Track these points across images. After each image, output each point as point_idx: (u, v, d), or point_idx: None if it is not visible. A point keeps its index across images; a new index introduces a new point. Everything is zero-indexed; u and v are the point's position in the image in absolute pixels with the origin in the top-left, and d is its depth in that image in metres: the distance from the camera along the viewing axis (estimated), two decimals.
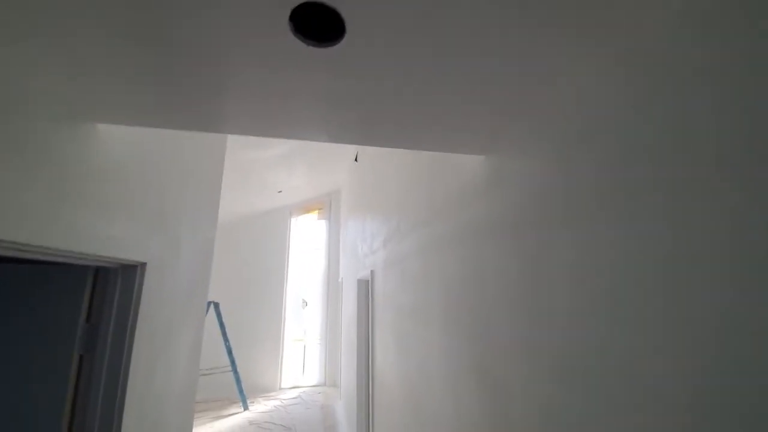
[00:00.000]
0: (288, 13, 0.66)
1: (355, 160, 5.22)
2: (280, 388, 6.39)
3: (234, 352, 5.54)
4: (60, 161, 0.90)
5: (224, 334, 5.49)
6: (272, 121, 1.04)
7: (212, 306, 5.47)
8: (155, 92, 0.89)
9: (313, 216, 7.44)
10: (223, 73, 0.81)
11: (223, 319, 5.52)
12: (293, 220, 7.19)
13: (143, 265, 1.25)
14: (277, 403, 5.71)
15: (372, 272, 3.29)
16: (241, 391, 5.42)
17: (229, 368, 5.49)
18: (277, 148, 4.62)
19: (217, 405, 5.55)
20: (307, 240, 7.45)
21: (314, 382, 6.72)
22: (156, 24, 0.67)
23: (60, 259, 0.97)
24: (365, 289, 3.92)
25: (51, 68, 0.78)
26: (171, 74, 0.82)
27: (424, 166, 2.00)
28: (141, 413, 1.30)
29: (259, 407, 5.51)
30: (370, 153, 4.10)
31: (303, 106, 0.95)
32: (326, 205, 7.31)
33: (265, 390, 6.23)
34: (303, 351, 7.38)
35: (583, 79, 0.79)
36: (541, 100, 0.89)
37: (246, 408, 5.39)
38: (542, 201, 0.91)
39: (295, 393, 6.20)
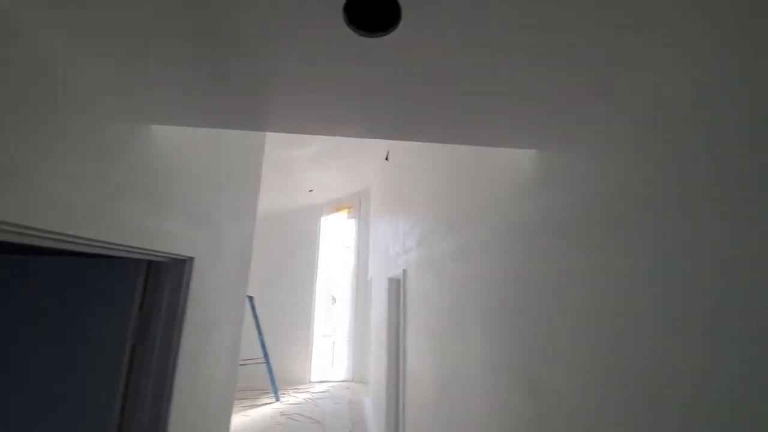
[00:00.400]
0: (342, 2, 0.64)
1: (386, 159, 5.20)
2: (310, 382, 6.52)
3: (266, 344, 5.72)
4: (117, 160, 0.93)
5: (258, 327, 5.68)
6: (316, 116, 1.03)
7: (248, 300, 5.68)
8: (207, 93, 0.91)
9: (343, 215, 7.52)
10: (271, 68, 0.81)
11: (257, 313, 5.71)
12: (323, 218, 7.31)
13: (191, 259, 1.29)
14: (306, 396, 5.84)
15: (404, 271, 3.26)
16: (273, 382, 5.58)
17: (263, 360, 5.68)
18: (309, 147, 4.69)
19: (251, 394, 5.75)
20: (336, 238, 7.55)
21: (342, 378, 6.80)
22: (211, 18, 0.67)
23: (116, 253, 1.01)
24: (396, 287, 3.90)
25: (110, 68, 0.81)
26: (222, 71, 0.82)
27: (463, 164, 1.94)
28: (188, 400, 1.35)
29: (289, 399, 5.66)
30: (401, 152, 4.06)
31: (346, 100, 0.93)
32: (356, 204, 7.36)
33: (295, 383, 6.39)
34: (332, 346, 7.50)
35: (663, 67, 0.71)
36: (613, 88, 0.82)
37: (277, 399, 5.55)
38: (611, 199, 0.83)
39: (324, 387, 6.31)
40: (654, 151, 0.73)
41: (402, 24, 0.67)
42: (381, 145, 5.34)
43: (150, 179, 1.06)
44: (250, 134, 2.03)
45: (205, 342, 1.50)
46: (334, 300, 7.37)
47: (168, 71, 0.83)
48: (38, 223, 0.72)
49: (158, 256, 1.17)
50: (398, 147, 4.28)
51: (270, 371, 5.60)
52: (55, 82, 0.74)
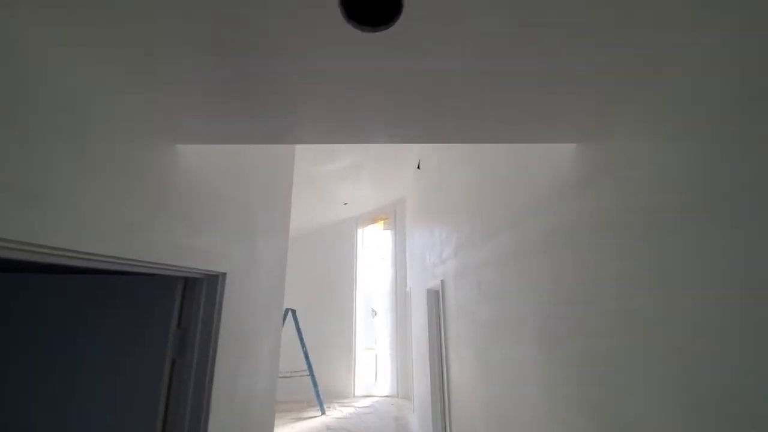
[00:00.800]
0: None
1: (418, 167, 5.13)
2: (354, 396, 6.47)
3: (310, 357, 5.79)
4: (148, 181, 0.97)
5: (301, 339, 5.77)
6: (342, 124, 1.00)
7: (290, 313, 5.81)
8: (230, 110, 0.92)
9: (379, 226, 7.53)
10: (292, 76, 0.79)
11: (300, 326, 5.81)
12: (359, 230, 7.36)
13: (224, 274, 1.31)
14: (351, 410, 5.78)
15: (442, 282, 3.13)
16: (318, 395, 5.61)
17: (307, 372, 5.74)
18: (341, 161, 4.77)
19: (297, 407, 5.82)
20: (373, 250, 7.54)
21: (387, 393, 6.67)
22: (230, 35, 0.66)
23: (148, 270, 1.04)
24: (435, 299, 3.76)
25: (135, 94, 0.84)
26: (244, 87, 0.82)
27: (497, 166, 1.82)
28: (228, 412, 1.36)
29: (334, 413, 5.64)
30: (434, 159, 3.97)
31: (372, 103, 0.89)
32: (391, 215, 7.34)
33: (339, 396, 6.37)
34: (375, 360, 7.41)
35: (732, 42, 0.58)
36: (661, 70, 0.70)
37: (323, 412, 5.55)
38: (684, 189, 0.70)
39: (368, 402, 6.22)
40: (721, 135, 0.59)
41: (407, 10, 0.61)
42: (413, 155, 5.29)
43: (179, 198, 1.09)
44: (279, 149, 2.08)
45: (243, 355, 1.52)
46: (374, 313, 7.32)
47: (191, 93, 0.85)
48: (80, 246, 0.75)
49: (192, 272, 1.20)
50: (429, 154, 4.21)
51: (315, 384, 5.64)
52: (84, 109, 0.78)
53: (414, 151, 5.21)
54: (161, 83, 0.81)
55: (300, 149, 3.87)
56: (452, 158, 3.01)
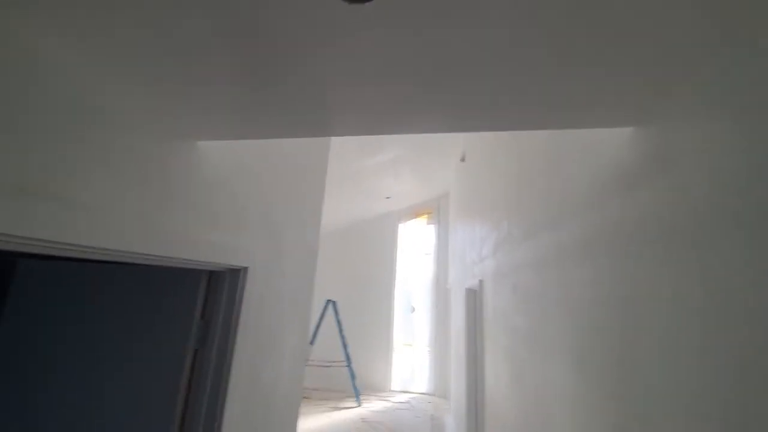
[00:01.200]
0: None
1: (462, 160, 4.91)
2: (390, 390, 6.50)
3: (349, 348, 5.90)
4: (170, 179, 0.99)
5: (341, 330, 5.90)
6: (371, 115, 0.93)
7: (330, 304, 5.97)
8: (250, 105, 0.90)
9: (422, 221, 7.40)
10: (313, 67, 0.74)
11: (340, 317, 5.94)
12: (401, 225, 7.29)
13: (245, 269, 1.33)
14: (387, 404, 5.81)
15: (481, 282, 2.96)
16: (354, 386, 5.71)
17: (345, 363, 5.86)
18: (383, 155, 4.72)
19: (335, 396, 5.99)
20: (415, 245, 7.45)
21: (423, 390, 6.60)
22: (245, 27, 0.63)
23: (176, 264, 1.07)
24: (473, 299, 3.59)
25: (155, 95, 0.86)
26: (262, 79, 0.79)
27: (536, 159, 1.64)
28: (249, 400, 1.40)
29: (370, 405, 5.71)
30: (477, 151, 3.76)
31: (395, 91, 0.81)
32: (434, 209, 7.17)
33: (375, 389, 6.43)
34: (412, 356, 7.38)
35: None
36: (738, 33, 0.53)
37: (359, 404, 5.65)
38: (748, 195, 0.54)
39: (404, 398, 6.21)
40: None
41: None
42: (457, 147, 5.08)
43: (201, 194, 1.12)
44: (311, 143, 2.08)
45: (265, 345, 1.55)
46: (412, 309, 7.26)
47: (210, 91, 0.84)
48: (104, 243, 0.78)
49: (216, 266, 1.23)
50: (474, 145, 3.99)
51: (352, 375, 5.75)
52: (106, 113, 0.80)
53: (458, 142, 5.00)
54: (180, 82, 0.82)
55: (341, 144, 3.90)
56: (493, 150, 2.82)
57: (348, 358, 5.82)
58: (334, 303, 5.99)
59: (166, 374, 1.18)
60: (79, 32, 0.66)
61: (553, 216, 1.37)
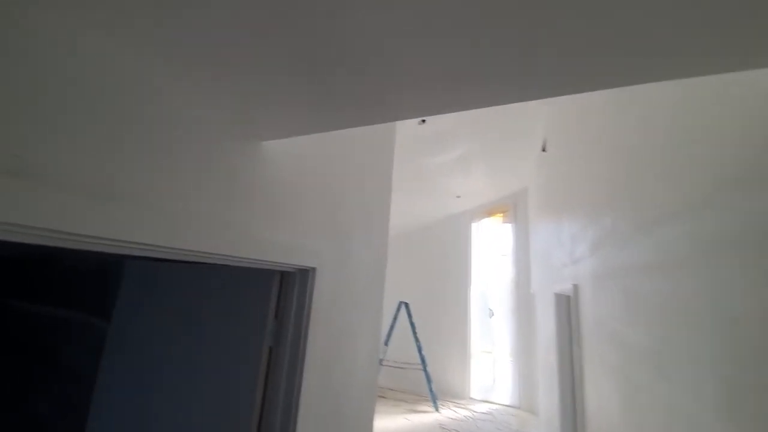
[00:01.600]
0: None
1: (543, 150, 4.41)
2: (470, 398, 6.16)
3: (424, 351, 5.76)
4: (240, 180, 1.00)
5: (414, 332, 5.80)
6: (445, 82, 0.80)
7: (403, 306, 5.90)
8: (315, 96, 0.85)
9: (497, 220, 6.90)
10: (376, 42, 0.66)
11: (413, 320, 5.84)
12: (474, 224, 6.90)
13: (313, 269, 1.30)
14: (467, 413, 5.51)
15: (575, 287, 2.57)
16: (431, 391, 5.54)
17: (420, 366, 5.73)
18: (452, 151, 4.49)
19: (410, 398, 5.90)
20: (491, 245, 6.98)
21: (506, 402, 6.11)
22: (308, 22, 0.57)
23: (245, 264, 1.08)
24: (566, 306, 3.15)
25: (220, 94, 0.85)
26: (329, 65, 0.73)
27: (658, 130, 1.30)
28: (323, 398, 1.40)
29: (448, 412, 5.47)
30: (562, 138, 3.31)
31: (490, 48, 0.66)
32: (511, 207, 6.62)
33: (453, 396, 6.16)
34: (492, 365, 6.90)
35: None
36: None
37: (436, 409, 5.46)
38: None
39: (485, 408, 5.82)
40: None
41: None
42: (535, 137, 4.59)
43: (267, 195, 1.12)
44: (375, 143, 2.01)
45: (336, 345, 1.53)
46: (491, 313, 6.79)
47: (273, 87, 0.82)
48: (172, 243, 0.80)
49: (286, 266, 1.22)
50: (558, 129, 3.54)
51: (428, 379, 5.59)
52: (172, 121, 0.82)
53: (536, 131, 4.52)
54: (244, 83, 0.80)
55: (406, 142, 3.81)
56: (586, 133, 2.42)
57: (423, 361, 5.68)
58: (406, 305, 5.91)
59: (245, 371, 1.20)
60: (159, 49, 0.67)
61: (688, 201, 1.05)
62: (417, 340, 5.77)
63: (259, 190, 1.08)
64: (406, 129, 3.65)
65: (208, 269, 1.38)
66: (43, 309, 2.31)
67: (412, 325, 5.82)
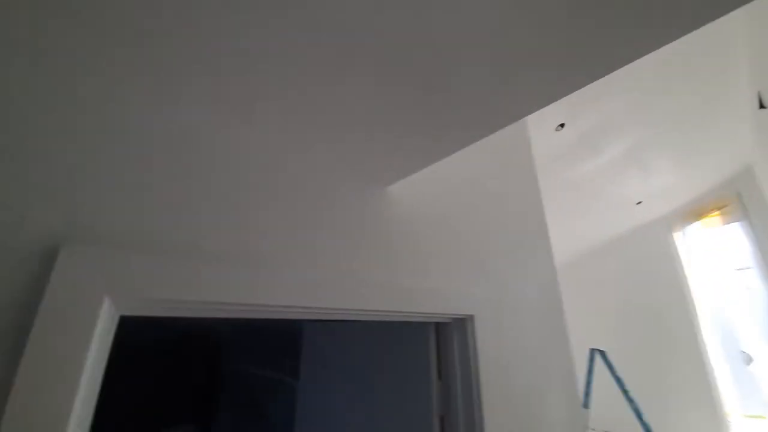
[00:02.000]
0: None
1: (760, 105, 3.05)
2: None
3: (636, 404, 4.26)
4: (364, 229, 0.97)
5: (624, 389, 4.42)
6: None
7: (597, 354, 4.68)
8: (429, 124, 0.80)
9: (713, 221, 5.01)
10: None
11: (617, 372, 4.51)
12: (677, 234, 5.19)
13: (471, 317, 1.11)
14: None
15: None
16: None
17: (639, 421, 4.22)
18: (611, 149, 3.62)
19: None
20: (714, 258, 5.01)
21: None
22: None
23: (405, 318, 1.00)
24: None
25: (344, 137, 0.88)
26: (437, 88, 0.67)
27: None
28: None
29: None
30: None
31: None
32: (733, 198, 4.73)
33: None
34: None
35: None
36: None
37: None
38: None
39: None
40: None
41: None
42: (738, 92, 3.23)
43: (398, 241, 1.07)
44: (508, 164, 1.76)
45: (523, 414, 1.20)
46: (749, 358, 4.60)
47: (392, 131, 0.80)
48: (305, 302, 0.80)
49: (437, 317, 1.09)
50: None
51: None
52: (300, 185, 0.87)
53: (741, 85, 3.22)
54: (366, 132, 0.81)
55: (546, 159, 3.29)
56: None
57: (643, 422, 4.17)
58: (602, 352, 4.66)
59: None
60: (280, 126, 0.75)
61: None
62: (630, 400, 4.35)
63: (384, 236, 1.04)
64: (541, 141, 3.16)
65: (368, 326, 1.38)
66: (252, 369, 2.84)
67: (618, 379, 4.48)
